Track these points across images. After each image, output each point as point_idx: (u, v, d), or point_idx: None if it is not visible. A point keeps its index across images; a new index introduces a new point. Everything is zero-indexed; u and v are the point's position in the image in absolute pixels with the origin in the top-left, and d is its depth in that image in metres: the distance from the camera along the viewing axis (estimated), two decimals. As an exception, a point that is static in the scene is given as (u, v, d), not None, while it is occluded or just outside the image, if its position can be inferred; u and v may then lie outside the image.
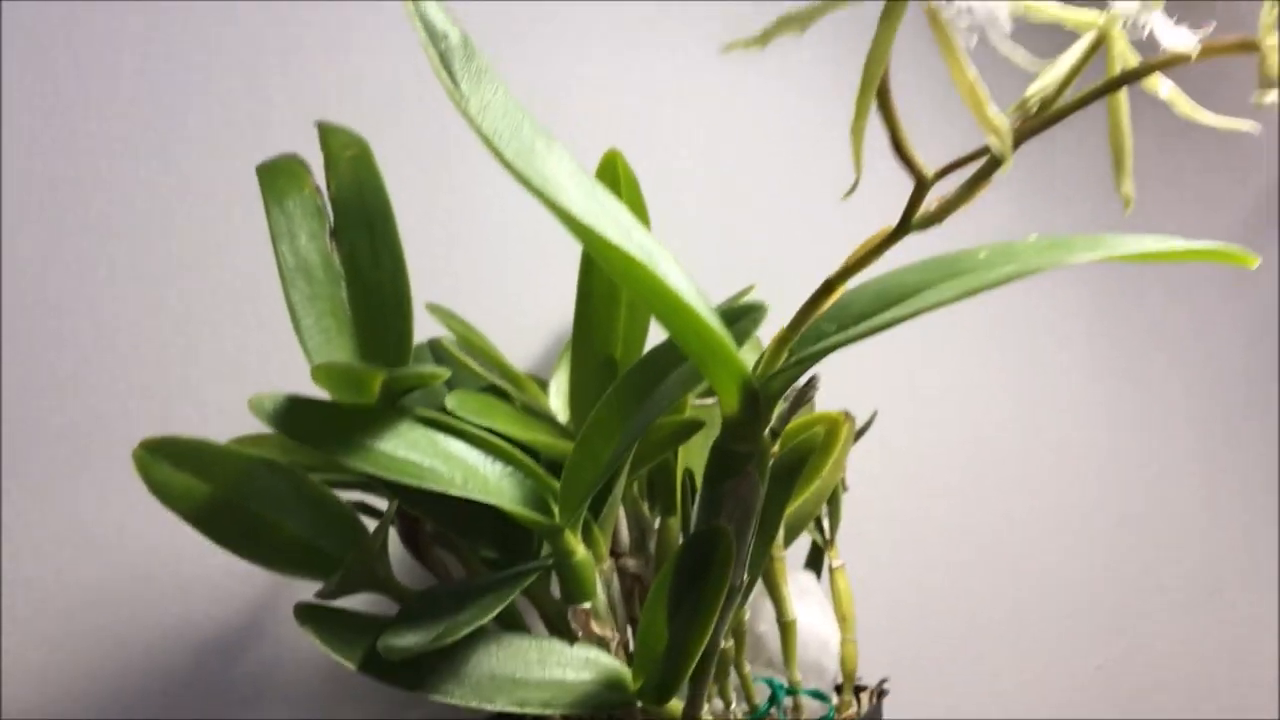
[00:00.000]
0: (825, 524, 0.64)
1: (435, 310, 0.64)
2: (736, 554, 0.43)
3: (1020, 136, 0.33)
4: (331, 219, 0.54)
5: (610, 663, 0.49)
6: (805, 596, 0.62)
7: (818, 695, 0.58)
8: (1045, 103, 0.33)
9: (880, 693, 0.64)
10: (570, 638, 0.49)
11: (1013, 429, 0.86)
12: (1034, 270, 0.38)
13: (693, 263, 0.69)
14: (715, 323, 0.40)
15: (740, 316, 0.46)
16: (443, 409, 0.49)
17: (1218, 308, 0.90)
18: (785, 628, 0.59)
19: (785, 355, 0.41)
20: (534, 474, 0.49)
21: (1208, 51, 0.31)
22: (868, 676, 0.64)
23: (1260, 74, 0.29)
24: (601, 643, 0.49)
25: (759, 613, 0.60)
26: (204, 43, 0.68)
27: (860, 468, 0.71)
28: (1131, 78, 0.32)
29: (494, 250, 0.75)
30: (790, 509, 0.57)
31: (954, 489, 0.85)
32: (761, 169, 0.81)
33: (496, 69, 0.40)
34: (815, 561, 0.65)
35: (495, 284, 0.76)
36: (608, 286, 0.56)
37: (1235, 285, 0.90)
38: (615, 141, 0.59)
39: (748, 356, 0.50)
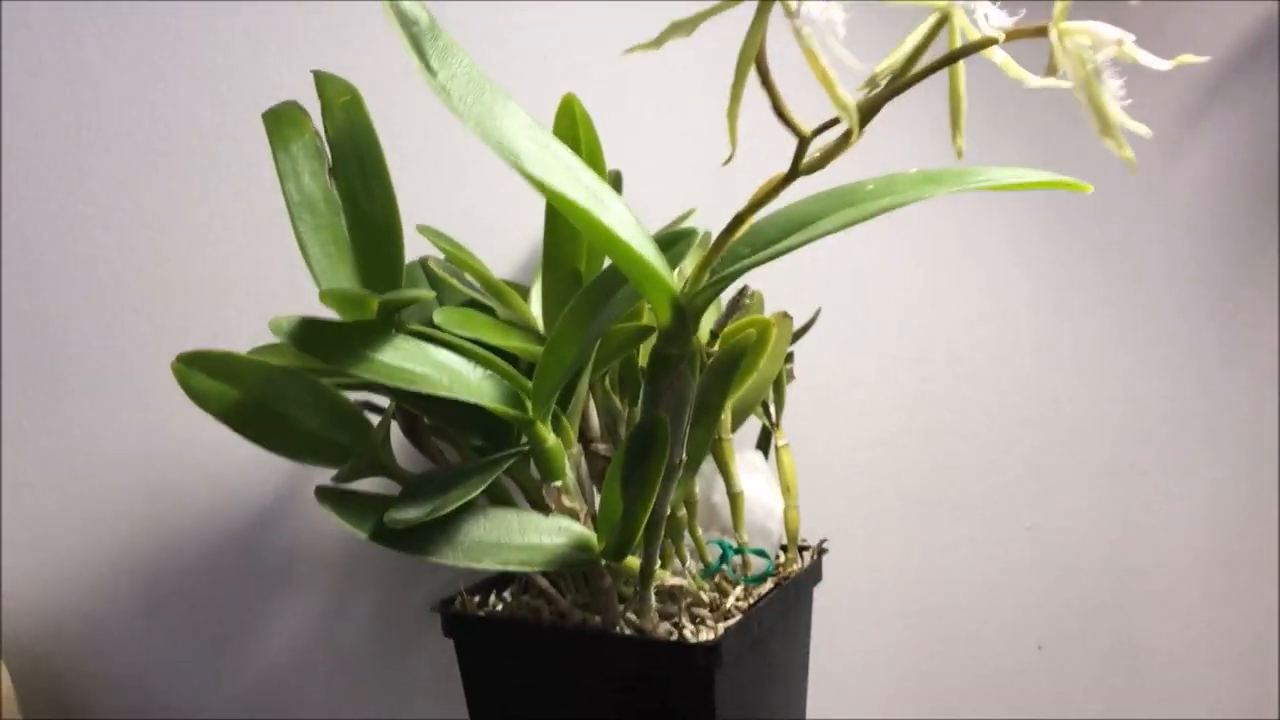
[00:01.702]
0: (772, 409, 0.73)
1: (425, 231, 0.72)
2: (673, 437, 0.52)
3: (872, 106, 0.41)
4: (329, 158, 0.62)
5: (579, 529, 0.59)
6: (753, 472, 0.71)
7: (760, 553, 0.68)
8: (895, 76, 0.41)
9: (820, 551, 0.74)
10: (546, 510, 0.59)
11: (947, 319, 0.95)
12: (907, 202, 0.47)
13: (649, 185, 0.78)
14: (647, 252, 0.48)
15: (675, 241, 0.54)
16: (432, 322, 0.58)
17: (1139, 213, 0.98)
18: (734, 498, 0.68)
19: (707, 275, 0.49)
20: (510, 376, 0.58)
21: (1012, 35, 0.39)
22: (813, 540, 0.75)
23: (1049, 60, 0.38)
24: (572, 514, 0.59)
25: (713, 486, 0.70)
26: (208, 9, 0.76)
27: (808, 360, 0.80)
28: (963, 53, 0.40)
29: (479, 169, 0.83)
30: (734, 397, 0.66)
31: (893, 373, 0.94)
32: (715, 99, 0.88)
33: (458, 39, 0.49)
34: (764, 442, 0.75)
35: (482, 199, 0.84)
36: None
37: (1152, 192, 0.98)
38: (581, 74, 0.66)
39: (690, 265, 0.59)
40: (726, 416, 0.67)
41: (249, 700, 0.82)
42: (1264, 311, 1.01)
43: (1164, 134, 0.96)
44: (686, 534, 0.67)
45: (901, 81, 0.41)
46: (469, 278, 0.65)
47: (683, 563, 0.66)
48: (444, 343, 0.57)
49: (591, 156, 0.60)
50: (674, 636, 0.61)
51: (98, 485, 0.77)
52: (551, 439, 0.58)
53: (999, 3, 0.40)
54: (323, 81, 0.63)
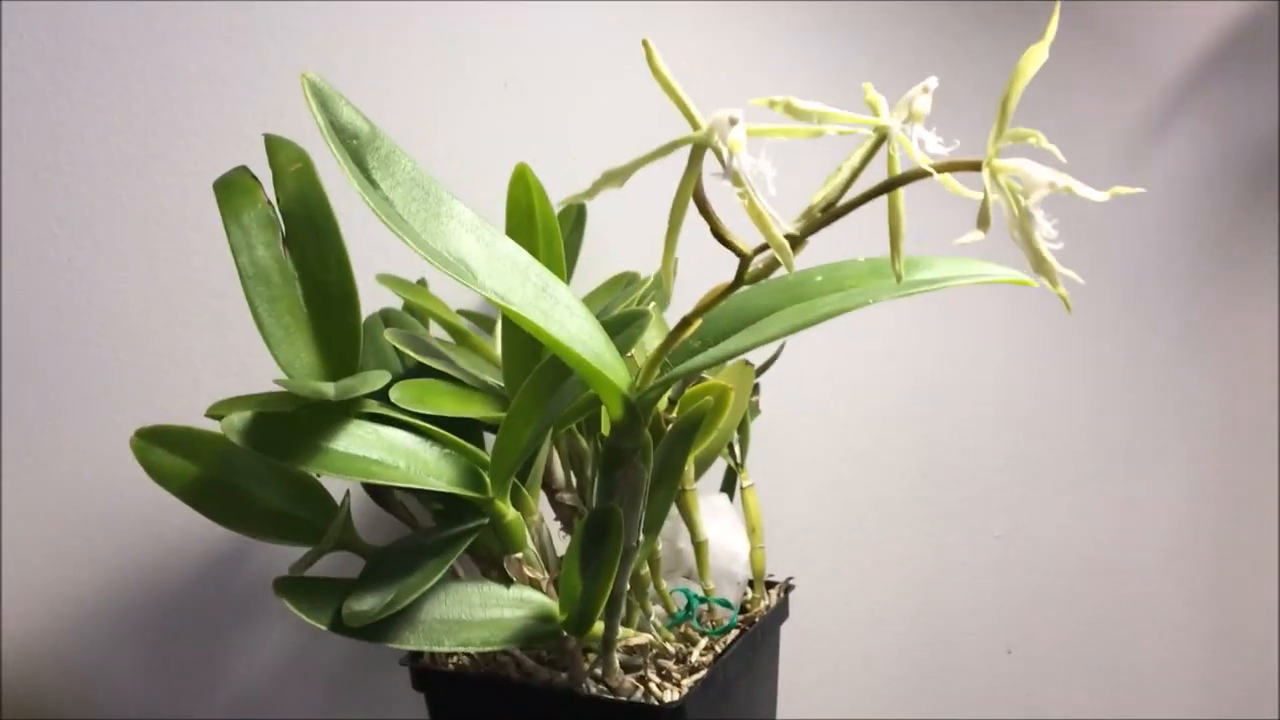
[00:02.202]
0: (737, 450, 0.74)
1: (385, 280, 0.72)
2: (627, 525, 0.53)
3: (810, 230, 0.41)
4: (283, 228, 0.62)
5: (540, 600, 0.59)
6: (717, 515, 0.72)
7: (724, 604, 0.69)
8: (829, 203, 0.41)
9: (787, 588, 0.74)
10: (508, 580, 0.60)
11: (915, 336, 0.95)
12: (854, 307, 0.47)
13: (614, 231, 0.78)
14: (596, 354, 0.48)
15: (627, 324, 0.54)
16: (387, 398, 0.58)
17: (1107, 224, 0.97)
18: (698, 547, 0.69)
19: (658, 372, 0.49)
20: (467, 453, 0.58)
21: (945, 168, 0.39)
22: (781, 576, 0.75)
23: (979, 211, 0.37)
24: (534, 584, 0.60)
25: (678, 533, 0.70)
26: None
27: (776, 385, 0.80)
28: (897, 184, 0.40)
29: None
30: (696, 453, 0.67)
31: (860, 390, 0.94)
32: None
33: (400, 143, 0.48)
34: (730, 483, 0.75)
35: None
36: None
37: (1120, 203, 0.98)
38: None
39: (652, 336, 0.59)
40: (689, 468, 0.67)
41: (228, 720, 0.84)
42: (1232, 315, 1.01)
43: (1131, 143, 0.95)
44: (650, 586, 0.68)
45: (837, 209, 0.41)
46: (423, 344, 0.65)
47: (647, 615, 0.67)
48: (399, 423, 0.57)
49: (546, 226, 0.60)
50: (639, 691, 0.62)
51: (85, 521, 0.78)
52: (511, 513, 0.59)
53: (934, 129, 0.40)
54: (274, 148, 0.62)
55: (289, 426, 0.54)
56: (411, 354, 0.61)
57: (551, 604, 0.59)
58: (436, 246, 0.46)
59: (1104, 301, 0.98)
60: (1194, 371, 1.01)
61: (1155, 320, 0.99)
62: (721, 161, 0.36)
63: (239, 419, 0.52)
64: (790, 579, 0.75)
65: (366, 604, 0.53)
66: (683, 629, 0.68)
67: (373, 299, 0.70)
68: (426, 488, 0.55)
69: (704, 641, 0.67)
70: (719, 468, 0.75)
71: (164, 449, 0.60)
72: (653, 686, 0.63)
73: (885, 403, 0.95)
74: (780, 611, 0.73)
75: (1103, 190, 0.38)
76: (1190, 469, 1.02)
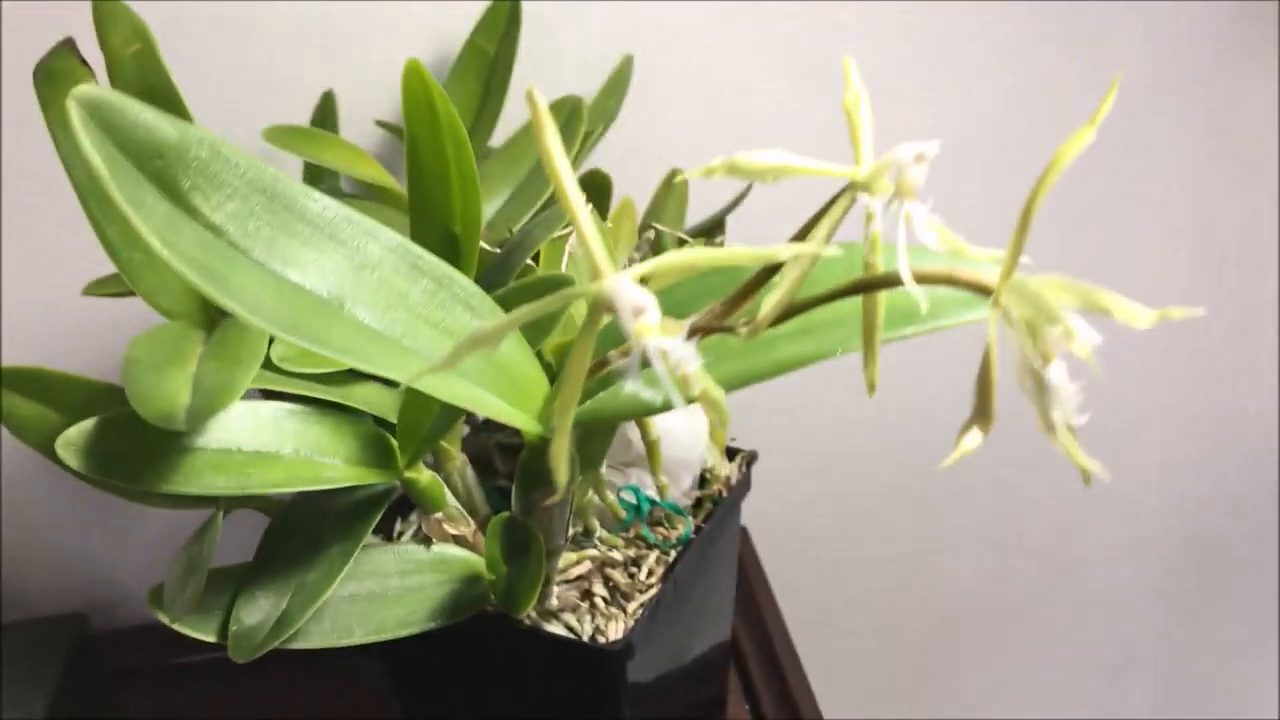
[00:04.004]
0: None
1: (273, 137, 0.61)
2: (548, 539, 0.45)
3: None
4: (125, 129, 0.50)
5: (464, 558, 0.53)
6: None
7: (677, 510, 0.62)
8: (786, 302, 0.30)
9: (750, 459, 0.68)
10: (428, 540, 0.53)
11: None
12: (824, 356, 0.37)
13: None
14: (506, 386, 0.39)
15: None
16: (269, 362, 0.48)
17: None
18: (650, 445, 0.62)
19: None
20: (371, 407, 0.50)
21: (934, 279, 0.28)
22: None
23: (977, 389, 0.27)
24: (458, 540, 0.53)
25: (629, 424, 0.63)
26: None
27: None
28: (872, 285, 0.30)
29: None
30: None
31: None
32: None
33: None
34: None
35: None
36: (437, 165, 0.52)
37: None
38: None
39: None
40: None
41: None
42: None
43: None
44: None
45: (794, 308, 0.31)
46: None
47: (591, 532, 0.61)
48: (279, 395, 0.48)
49: (451, 125, 0.48)
50: (585, 608, 0.57)
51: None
52: (426, 477, 0.51)
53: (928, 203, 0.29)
54: (105, 22, 0.49)
55: (142, 437, 0.44)
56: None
57: (478, 561, 0.53)
58: (290, 277, 0.36)
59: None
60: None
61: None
62: (626, 332, 0.26)
63: (76, 434, 0.43)
64: (754, 451, 0.68)
65: (255, 617, 0.47)
66: (632, 532, 0.62)
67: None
68: (319, 486, 0.47)
69: (653, 557, 0.61)
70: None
71: (19, 394, 0.52)
72: (599, 602, 0.58)
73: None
74: (741, 487, 0.67)
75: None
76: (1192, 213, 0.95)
